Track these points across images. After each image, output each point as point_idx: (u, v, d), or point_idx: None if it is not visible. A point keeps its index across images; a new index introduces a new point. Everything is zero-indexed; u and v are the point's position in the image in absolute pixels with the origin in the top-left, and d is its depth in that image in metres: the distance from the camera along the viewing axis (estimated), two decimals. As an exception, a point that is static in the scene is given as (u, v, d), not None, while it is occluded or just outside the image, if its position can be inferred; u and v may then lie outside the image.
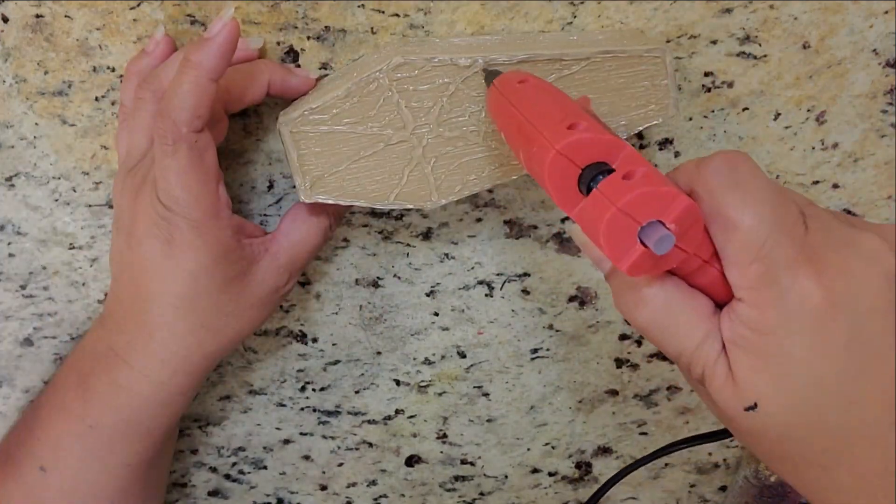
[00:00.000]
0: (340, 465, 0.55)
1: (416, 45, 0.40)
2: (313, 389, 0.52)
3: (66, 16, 0.40)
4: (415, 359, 0.51)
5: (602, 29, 0.41)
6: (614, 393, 0.53)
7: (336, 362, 0.51)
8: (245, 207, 0.45)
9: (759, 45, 0.42)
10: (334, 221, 0.43)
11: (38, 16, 0.40)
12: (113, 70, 0.41)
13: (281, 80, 0.40)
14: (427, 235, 0.47)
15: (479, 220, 0.46)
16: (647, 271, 0.29)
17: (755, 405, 0.29)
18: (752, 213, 0.29)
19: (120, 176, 0.40)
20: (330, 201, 0.40)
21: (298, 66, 0.41)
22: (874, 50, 0.42)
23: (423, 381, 0.52)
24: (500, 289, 0.49)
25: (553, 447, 0.55)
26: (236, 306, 0.40)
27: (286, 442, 0.54)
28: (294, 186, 0.42)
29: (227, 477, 0.55)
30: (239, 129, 0.43)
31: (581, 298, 0.50)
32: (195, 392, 0.43)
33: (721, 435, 0.43)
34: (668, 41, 0.41)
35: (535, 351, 0.51)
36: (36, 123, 0.42)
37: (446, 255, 0.47)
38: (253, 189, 0.45)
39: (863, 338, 0.29)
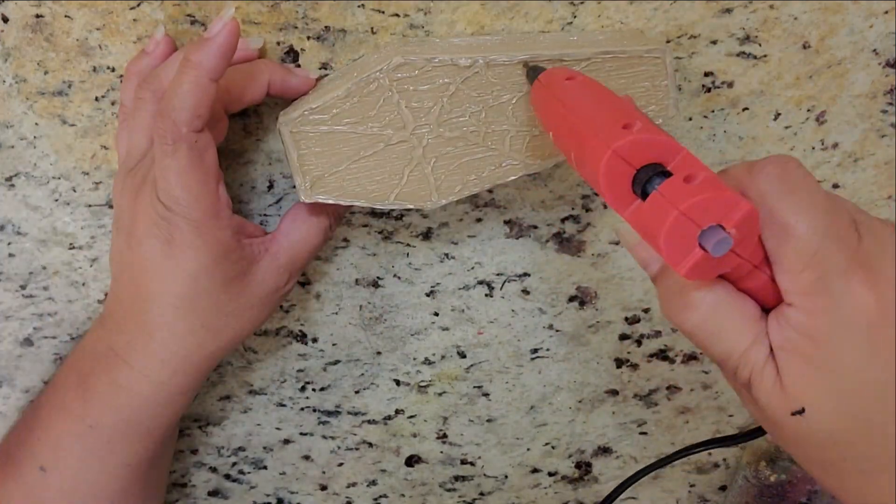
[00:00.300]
0: (340, 465, 0.55)
1: (417, 45, 0.40)
2: (313, 389, 0.52)
3: (66, 16, 0.40)
4: (415, 359, 0.51)
5: (602, 29, 0.41)
6: (614, 393, 0.53)
7: (336, 362, 0.51)
8: (245, 207, 0.45)
9: (759, 45, 0.42)
10: (334, 221, 0.43)
11: (38, 16, 0.40)
12: (113, 70, 0.41)
13: (281, 80, 0.40)
14: (427, 235, 0.47)
15: (479, 220, 0.46)
16: (702, 275, 0.29)
17: (802, 410, 0.30)
18: (807, 220, 0.29)
19: (120, 176, 0.40)
20: (330, 201, 0.40)
21: (298, 65, 0.41)
22: (874, 50, 0.42)
23: (423, 381, 0.52)
24: (500, 289, 0.49)
25: (553, 447, 0.55)
26: (236, 306, 0.40)
27: (286, 442, 0.54)
28: (294, 186, 0.42)
29: (227, 477, 0.55)
30: (239, 129, 0.43)
31: (581, 298, 0.50)
32: (195, 392, 0.43)
33: (746, 437, 0.43)
34: (668, 41, 0.41)
35: (535, 351, 0.51)
36: (36, 123, 0.42)
37: (446, 255, 0.47)
38: (253, 189, 0.45)
39: None
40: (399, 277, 0.48)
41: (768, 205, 0.30)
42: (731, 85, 0.43)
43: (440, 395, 0.53)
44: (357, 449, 0.54)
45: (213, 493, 0.56)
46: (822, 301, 0.29)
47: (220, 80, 0.37)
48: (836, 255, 0.29)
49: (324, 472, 0.55)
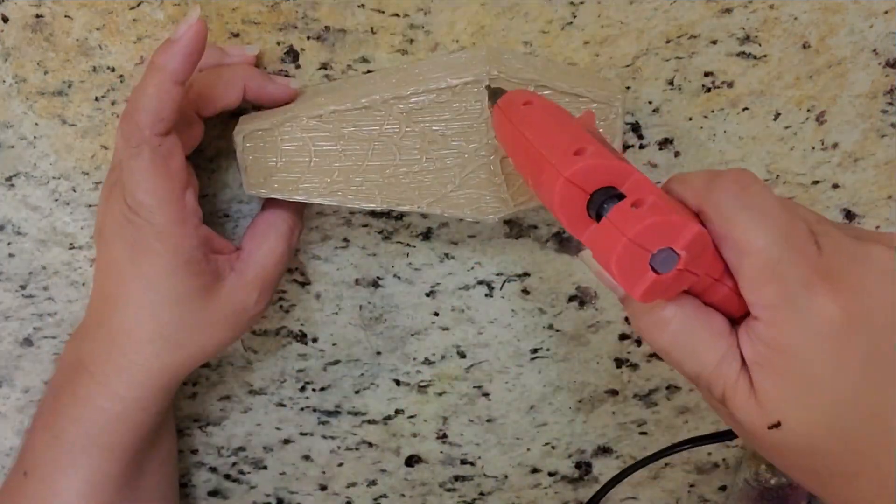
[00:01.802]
0: (340, 465, 0.55)
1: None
2: (313, 389, 0.52)
3: (66, 16, 0.40)
4: (415, 359, 0.51)
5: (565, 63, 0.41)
6: (614, 393, 0.53)
7: (336, 362, 0.51)
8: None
9: (759, 45, 0.42)
10: (295, 224, 0.43)
11: (38, 16, 0.40)
12: (113, 70, 0.41)
13: (258, 87, 0.39)
14: (427, 235, 0.47)
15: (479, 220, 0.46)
16: (660, 296, 0.30)
17: (779, 423, 0.30)
18: (764, 235, 0.29)
19: (107, 176, 0.41)
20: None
21: (298, 66, 0.41)
22: (874, 50, 0.42)
23: (423, 381, 0.52)
24: (500, 289, 0.49)
25: (553, 447, 0.55)
26: (198, 321, 0.40)
27: (286, 442, 0.54)
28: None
29: (227, 477, 0.55)
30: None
31: (581, 298, 0.49)
32: (157, 413, 0.42)
33: (723, 437, 0.43)
34: (668, 41, 0.41)
35: (535, 351, 0.51)
36: (36, 123, 0.42)
37: (446, 255, 0.47)
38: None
39: (880, 351, 0.29)
40: (399, 277, 0.48)
41: (725, 219, 0.30)
42: (731, 85, 0.43)
43: (440, 395, 0.53)
44: (357, 449, 0.54)
45: (213, 493, 0.56)
46: (787, 314, 0.29)
47: (194, 83, 0.37)
48: (796, 267, 0.29)
49: (324, 472, 0.55)
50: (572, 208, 0.30)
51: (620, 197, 0.29)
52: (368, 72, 0.42)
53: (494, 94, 0.37)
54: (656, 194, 0.29)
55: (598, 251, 0.29)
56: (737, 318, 0.32)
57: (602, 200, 0.29)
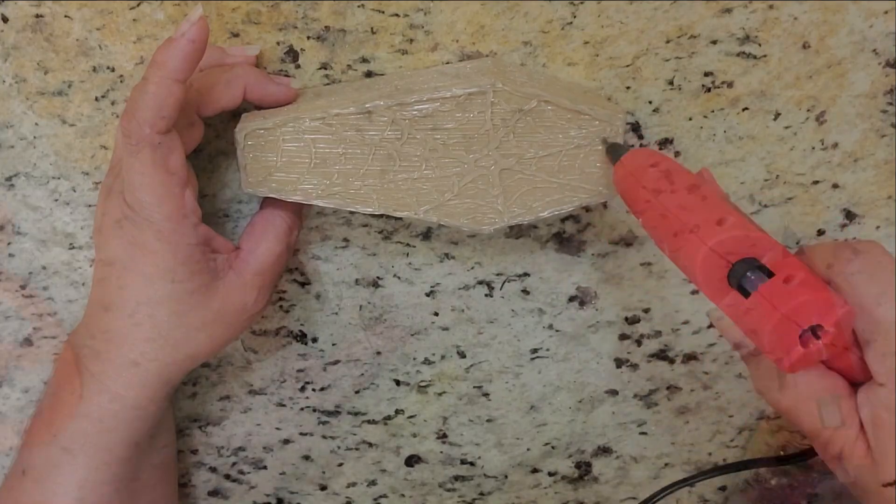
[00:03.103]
0: (340, 465, 0.55)
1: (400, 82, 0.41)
2: (313, 389, 0.52)
3: (66, 16, 0.40)
4: (415, 359, 0.51)
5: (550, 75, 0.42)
6: (614, 393, 0.53)
7: (336, 362, 0.51)
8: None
9: (759, 45, 0.42)
10: (293, 223, 0.43)
11: (38, 16, 0.40)
12: (113, 70, 0.41)
13: (259, 87, 0.39)
14: (427, 235, 0.47)
15: (479, 220, 0.46)
16: (804, 366, 0.31)
17: (894, 482, 0.32)
18: (894, 309, 0.32)
19: (106, 175, 0.41)
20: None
21: (298, 66, 0.41)
22: (874, 50, 0.42)
23: (423, 381, 0.52)
24: (500, 289, 0.49)
25: (553, 447, 0.55)
26: (196, 319, 0.40)
27: (286, 442, 0.54)
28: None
29: (227, 477, 0.55)
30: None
31: (581, 298, 0.49)
32: (156, 411, 0.42)
33: (796, 459, 0.46)
34: (668, 41, 0.41)
35: (535, 351, 0.51)
36: (36, 123, 0.42)
37: (446, 255, 0.47)
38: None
39: None
40: (399, 277, 0.48)
41: (857, 292, 0.32)
42: (731, 85, 0.43)
43: (440, 395, 0.53)
44: (357, 449, 0.54)
45: (213, 493, 0.56)
46: None
47: (194, 83, 0.37)
48: None
49: (324, 472, 0.55)
50: (712, 275, 0.32)
51: (762, 268, 0.31)
52: (369, 72, 0.42)
53: (615, 149, 0.38)
54: (804, 270, 0.31)
55: (744, 322, 0.31)
56: (858, 382, 0.34)
57: (744, 271, 0.31)
